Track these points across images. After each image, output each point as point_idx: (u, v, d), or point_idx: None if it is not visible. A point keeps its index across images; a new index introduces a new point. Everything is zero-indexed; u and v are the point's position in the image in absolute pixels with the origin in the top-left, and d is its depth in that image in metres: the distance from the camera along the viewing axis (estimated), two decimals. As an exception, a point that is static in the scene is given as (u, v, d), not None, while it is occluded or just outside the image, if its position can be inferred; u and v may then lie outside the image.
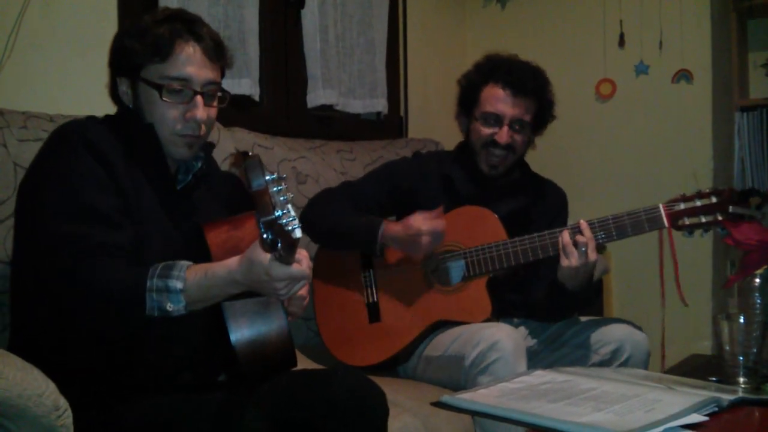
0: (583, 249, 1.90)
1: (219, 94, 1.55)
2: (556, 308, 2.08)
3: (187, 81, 1.48)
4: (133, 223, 1.44)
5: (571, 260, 1.91)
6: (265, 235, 1.18)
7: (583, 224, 1.94)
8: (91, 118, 1.53)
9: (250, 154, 1.25)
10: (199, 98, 1.49)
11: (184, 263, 1.36)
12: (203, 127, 1.52)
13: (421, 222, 2.00)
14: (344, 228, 2.12)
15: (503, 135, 2.12)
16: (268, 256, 1.27)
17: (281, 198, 1.18)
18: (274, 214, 1.15)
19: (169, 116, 1.48)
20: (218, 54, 1.53)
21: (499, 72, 2.15)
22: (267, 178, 1.19)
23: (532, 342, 2.13)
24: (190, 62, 1.47)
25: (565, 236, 1.93)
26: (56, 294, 1.38)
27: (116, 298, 1.34)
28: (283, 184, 1.20)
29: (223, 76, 1.58)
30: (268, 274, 1.29)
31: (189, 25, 1.49)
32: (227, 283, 1.34)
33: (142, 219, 1.45)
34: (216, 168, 1.75)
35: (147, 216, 1.47)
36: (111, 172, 1.42)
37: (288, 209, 1.17)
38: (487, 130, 2.14)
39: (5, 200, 1.67)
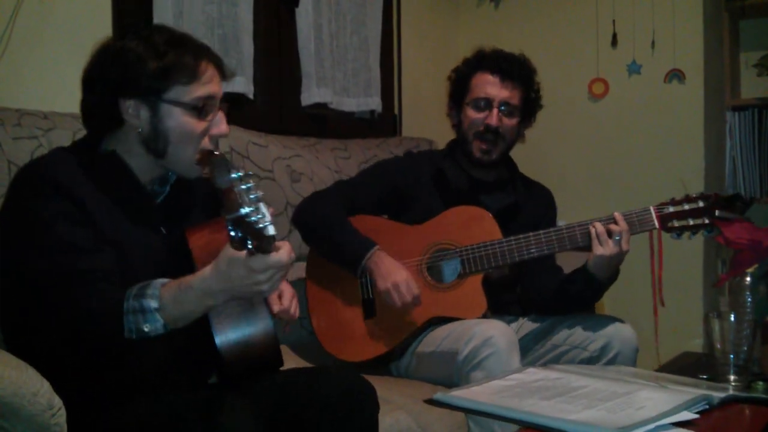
0: (617, 238, 1.94)
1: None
2: (581, 298, 2.11)
3: (212, 98, 1.49)
4: (113, 248, 1.43)
5: (605, 249, 1.95)
6: (233, 233, 1.15)
7: (618, 215, 1.97)
8: (55, 152, 1.52)
9: (215, 152, 1.23)
10: (221, 113, 1.52)
11: (160, 281, 1.35)
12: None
13: (405, 290, 2.01)
14: (331, 244, 2.13)
15: (493, 117, 2.16)
16: (245, 251, 1.23)
17: (251, 196, 1.15)
18: (239, 211, 1.13)
19: (197, 134, 1.48)
20: (226, 70, 1.55)
21: (486, 60, 2.22)
22: (233, 175, 1.16)
23: (521, 338, 2.13)
24: (211, 80, 1.49)
25: (599, 226, 1.97)
26: (42, 322, 1.39)
27: (96, 325, 1.34)
28: (251, 181, 1.17)
29: None
30: (246, 268, 1.26)
31: (203, 47, 1.51)
32: (202, 294, 1.31)
33: (122, 242, 1.45)
34: None
35: (127, 237, 1.46)
36: (80, 206, 1.41)
37: (258, 207, 1.15)
38: (478, 115, 2.18)
39: (-1, 198, 1.67)
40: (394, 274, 2.03)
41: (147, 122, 1.48)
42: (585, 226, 2.00)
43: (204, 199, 1.66)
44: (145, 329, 1.31)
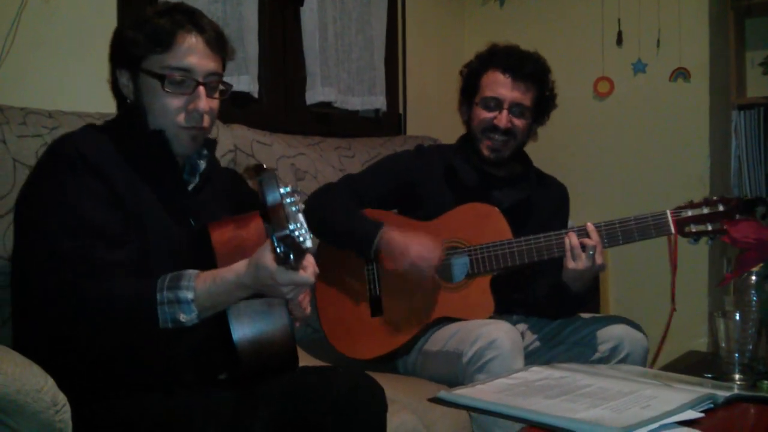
0: (591, 252, 1.90)
1: (221, 87, 1.54)
2: (558, 308, 2.09)
3: (190, 71, 1.46)
4: (138, 232, 1.42)
5: (577, 263, 1.91)
6: (278, 249, 1.20)
7: (590, 227, 1.93)
8: (87, 129, 1.51)
9: (265, 167, 1.26)
10: (201, 89, 1.48)
11: (192, 272, 1.36)
12: (206, 119, 1.51)
13: (420, 252, 1.99)
14: (342, 229, 2.11)
15: (503, 119, 2.12)
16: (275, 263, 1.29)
17: (293, 209, 1.19)
18: (288, 229, 1.17)
19: (171, 107, 1.47)
20: (220, 45, 1.52)
21: (499, 58, 2.17)
22: (281, 191, 1.19)
23: (530, 339, 2.13)
24: (192, 52, 1.46)
25: (573, 238, 1.92)
26: (60, 309, 1.36)
27: (126, 315, 1.34)
28: (295, 195, 1.21)
29: (224, 67, 1.57)
30: (273, 279, 1.31)
31: (190, 16, 1.49)
32: (236, 288, 1.35)
33: (147, 226, 1.44)
34: (218, 165, 1.76)
35: (152, 222, 1.45)
36: (110, 185, 1.40)
37: (300, 221, 1.19)
38: (487, 115, 2.15)
39: (4, 195, 1.68)
40: (407, 251, 1.99)
41: (132, 92, 1.50)
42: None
43: (226, 192, 1.66)
44: (182, 319, 1.34)
